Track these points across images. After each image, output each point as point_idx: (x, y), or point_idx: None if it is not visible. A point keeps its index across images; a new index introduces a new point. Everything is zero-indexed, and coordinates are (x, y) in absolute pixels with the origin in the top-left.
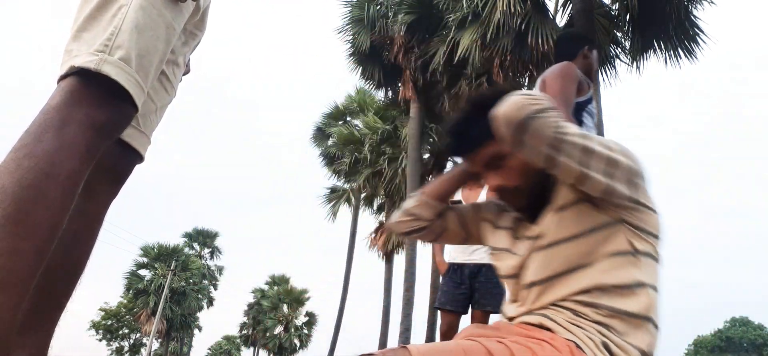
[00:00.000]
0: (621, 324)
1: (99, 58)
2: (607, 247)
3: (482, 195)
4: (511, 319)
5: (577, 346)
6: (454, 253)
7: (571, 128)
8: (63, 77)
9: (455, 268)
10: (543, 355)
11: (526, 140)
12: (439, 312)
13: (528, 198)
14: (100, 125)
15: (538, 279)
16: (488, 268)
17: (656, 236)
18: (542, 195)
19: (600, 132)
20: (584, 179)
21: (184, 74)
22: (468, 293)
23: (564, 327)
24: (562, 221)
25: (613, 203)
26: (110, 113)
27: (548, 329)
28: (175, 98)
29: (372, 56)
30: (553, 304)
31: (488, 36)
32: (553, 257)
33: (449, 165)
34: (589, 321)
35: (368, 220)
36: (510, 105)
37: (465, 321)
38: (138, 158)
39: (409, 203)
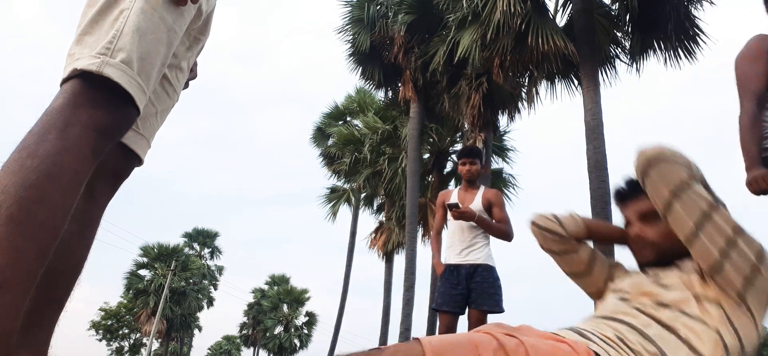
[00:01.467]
0: None
1: (101, 60)
2: (697, 312)
3: (478, 196)
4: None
5: (597, 354)
6: (451, 254)
7: (702, 190)
8: (65, 80)
9: (452, 269)
10: (557, 354)
11: (653, 176)
12: (437, 313)
13: (657, 256)
14: (102, 127)
15: (646, 290)
16: (484, 269)
17: (741, 344)
18: (669, 261)
19: (599, 132)
20: (693, 243)
21: (190, 79)
22: (465, 293)
23: (596, 343)
24: (674, 272)
25: (718, 284)
26: (113, 115)
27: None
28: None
29: (372, 56)
30: (608, 320)
31: (488, 36)
32: (658, 289)
33: (449, 165)
34: (628, 347)
35: (368, 220)
36: (656, 146)
37: (463, 321)
38: (136, 160)
39: (563, 213)
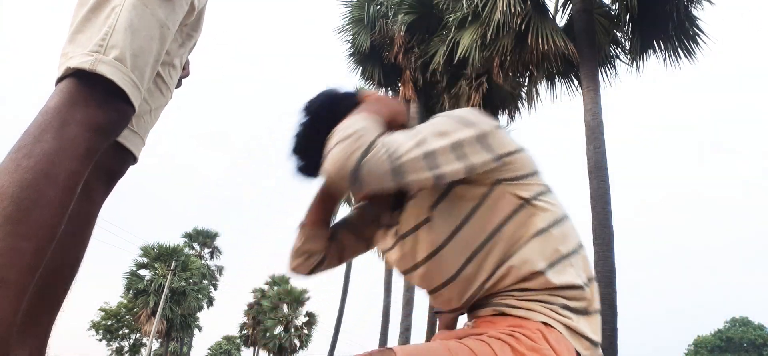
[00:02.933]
0: (558, 275)
1: (94, 58)
2: (499, 215)
3: None
4: (451, 311)
5: (546, 325)
6: None
7: (403, 143)
8: (60, 79)
9: None
10: (520, 348)
11: (365, 186)
12: (437, 314)
13: (396, 197)
14: (98, 126)
15: (441, 282)
16: None
17: (535, 173)
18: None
19: (599, 132)
20: (442, 179)
21: (183, 77)
22: None
23: (523, 309)
24: (442, 213)
25: (480, 174)
26: (108, 114)
27: (511, 315)
28: (178, 97)
29: (372, 56)
30: (491, 289)
31: (488, 36)
32: (448, 258)
33: None
34: (536, 290)
35: None
36: (332, 164)
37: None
38: (132, 159)
39: (297, 241)
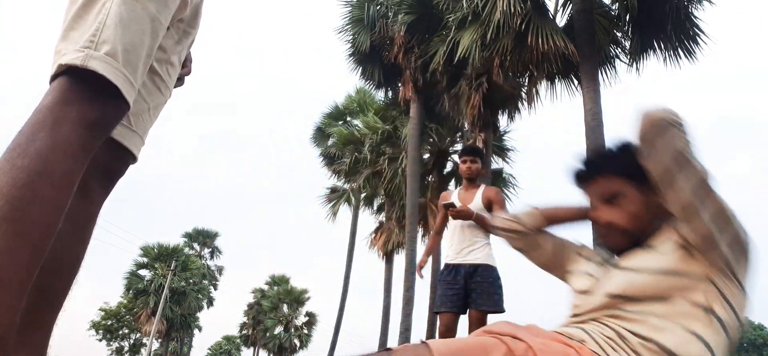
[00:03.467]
0: None
1: (85, 54)
2: (685, 294)
3: (477, 195)
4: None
5: None
6: (450, 253)
7: (700, 161)
8: (53, 77)
9: (450, 269)
10: None
11: (658, 143)
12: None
13: (630, 243)
14: (92, 123)
15: (610, 292)
16: (484, 268)
17: (737, 317)
18: (642, 242)
19: (599, 132)
20: (691, 213)
21: (184, 75)
22: (462, 292)
23: (598, 343)
24: (652, 255)
25: (709, 259)
26: (102, 110)
27: (582, 341)
28: (177, 97)
29: (372, 56)
30: (606, 319)
31: (488, 36)
32: (632, 280)
33: (449, 165)
34: (629, 347)
35: (368, 220)
36: (659, 108)
37: (463, 321)
38: (131, 158)
39: (520, 209)
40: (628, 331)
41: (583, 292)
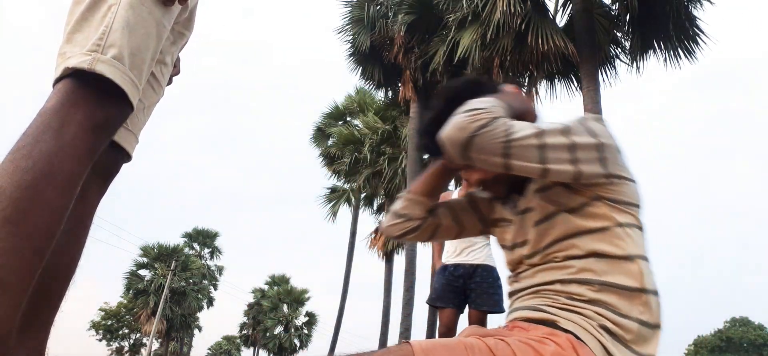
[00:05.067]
0: (616, 299)
1: (92, 57)
2: (589, 223)
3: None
4: (511, 295)
5: (577, 338)
6: (450, 254)
7: (523, 129)
8: (58, 80)
9: (450, 267)
10: (545, 354)
11: (474, 157)
12: (437, 311)
13: (509, 185)
14: (98, 126)
15: (538, 248)
16: (484, 269)
17: (637, 205)
18: (522, 179)
19: None
20: (547, 174)
21: (174, 75)
22: (460, 290)
23: (562, 317)
24: (546, 197)
25: (586, 185)
26: (108, 113)
27: (547, 322)
28: (177, 98)
29: (372, 56)
30: (548, 286)
31: (488, 36)
32: (548, 228)
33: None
34: (584, 301)
35: (368, 220)
36: (452, 127)
37: (463, 322)
38: (126, 157)
39: (398, 204)
40: (576, 281)
41: (512, 247)
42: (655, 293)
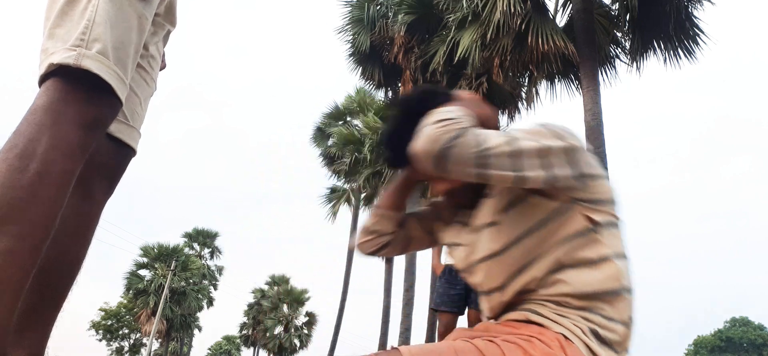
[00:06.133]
0: (601, 304)
1: (77, 53)
2: (566, 230)
3: None
4: (490, 318)
5: (566, 338)
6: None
7: (494, 138)
8: (44, 77)
9: (451, 269)
10: (534, 353)
11: (450, 168)
12: (437, 312)
13: (476, 193)
14: (89, 122)
15: (496, 286)
16: None
17: (611, 202)
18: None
19: (599, 132)
20: (522, 182)
21: (161, 69)
22: (463, 293)
23: (551, 319)
24: (512, 218)
25: (559, 188)
26: (97, 109)
27: (535, 323)
28: (177, 97)
29: (372, 56)
30: (531, 296)
31: (488, 36)
32: (508, 259)
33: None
34: (573, 308)
35: None
36: (424, 140)
37: (462, 321)
38: (132, 152)
39: (368, 220)
40: (560, 294)
41: (466, 271)
42: (630, 291)
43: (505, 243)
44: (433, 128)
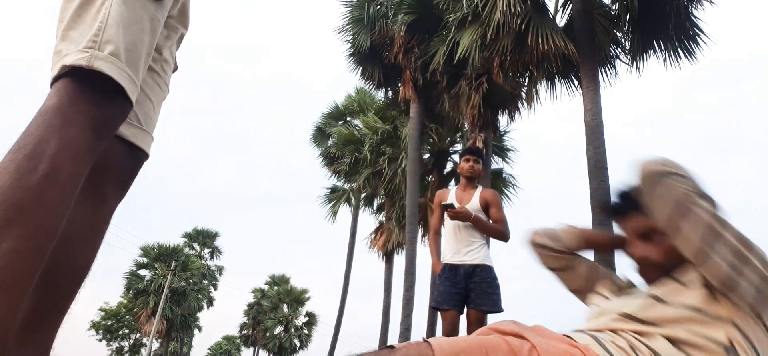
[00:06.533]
0: None
1: (89, 54)
2: (706, 331)
3: (475, 196)
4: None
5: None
6: (449, 254)
7: (709, 205)
8: (56, 78)
9: (450, 268)
10: None
11: (656, 195)
12: (438, 312)
13: (662, 275)
14: (99, 124)
15: (627, 312)
16: (482, 269)
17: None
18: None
19: (599, 132)
20: (703, 258)
21: (172, 72)
22: (463, 292)
23: (607, 349)
24: (678, 289)
25: (732, 301)
26: (108, 111)
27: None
28: (176, 97)
29: (372, 56)
30: (615, 330)
31: (488, 36)
32: (653, 305)
33: (449, 165)
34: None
35: (368, 220)
36: (655, 159)
37: (462, 322)
38: (145, 156)
39: (558, 228)
40: (642, 343)
41: (600, 312)
42: None
43: (650, 319)
44: (663, 160)
